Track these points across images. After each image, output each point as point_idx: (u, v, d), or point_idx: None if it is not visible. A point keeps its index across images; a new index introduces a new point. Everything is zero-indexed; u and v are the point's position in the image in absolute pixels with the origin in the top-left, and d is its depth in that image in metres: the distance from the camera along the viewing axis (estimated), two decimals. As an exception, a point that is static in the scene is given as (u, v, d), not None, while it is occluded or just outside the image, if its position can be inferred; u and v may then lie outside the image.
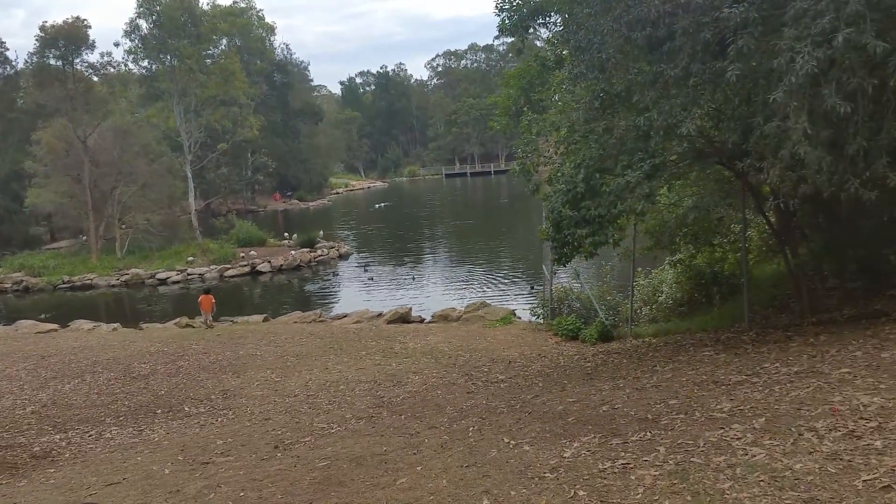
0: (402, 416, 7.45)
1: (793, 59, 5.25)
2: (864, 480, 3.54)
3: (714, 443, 4.49)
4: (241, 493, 5.27)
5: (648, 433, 5.02)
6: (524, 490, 4.31)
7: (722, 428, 4.76)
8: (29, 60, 32.87)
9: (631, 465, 4.39)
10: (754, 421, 4.76)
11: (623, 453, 4.67)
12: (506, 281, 24.80)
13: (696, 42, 6.36)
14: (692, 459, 4.28)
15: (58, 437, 7.89)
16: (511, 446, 5.41)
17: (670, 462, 4.32)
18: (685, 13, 6.41)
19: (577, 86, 9.34)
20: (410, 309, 17.73)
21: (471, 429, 6.26)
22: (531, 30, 11.10)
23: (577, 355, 10.77)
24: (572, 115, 9.79)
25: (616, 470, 4.37)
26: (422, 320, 17.32)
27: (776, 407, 5.00)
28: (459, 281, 25.24)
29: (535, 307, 16.95)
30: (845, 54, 5.16)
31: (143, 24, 32.50)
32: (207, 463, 6.38)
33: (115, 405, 9.37)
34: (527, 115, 10.90)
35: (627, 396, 6.47)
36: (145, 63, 35.62)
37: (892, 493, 3.38)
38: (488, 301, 18.77)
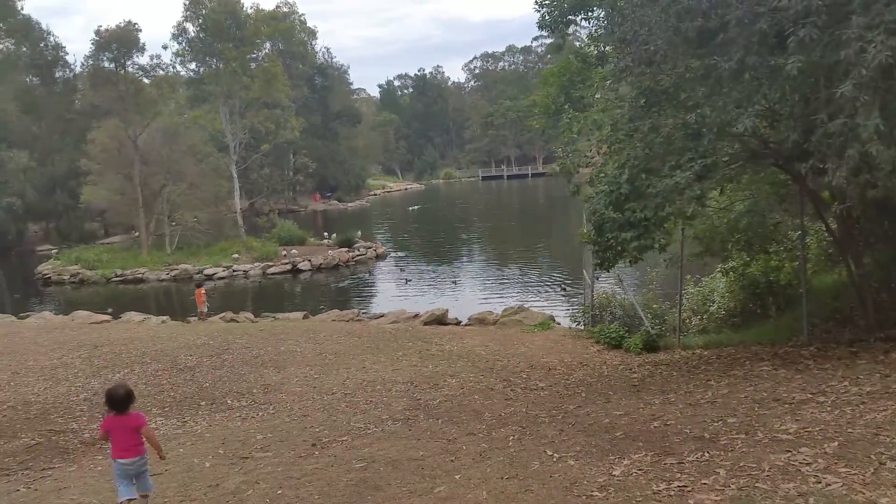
0: (440, 421, 7.36)
1: (863, 50, 4.93)
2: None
3: (780, 467, 4.20)
4: (279, 492, 5.25)
5: (706, 453, 4.73)
6: (572, 508, 4.11)
7: (788, 451, 4.46)
8: (85, 63, 34.21)
9: (688, 489, 4.12)
10: (825, 445, 4.44)
11: (679, 474, 4.40)
12: (543, 284, 24.52)
13: (751, 33, 6.07)
14: (757, 485, 3.99)
15: (106, 426, 8.08)
16: (554, 459, 5.24)
17: (732, 486, 4.03)
18: (739, 3, 6.14)
19: (622, 82, 9.09)
20: (447, 311, 17.62)
21: (510, 438, 6.12)
22: (572, 26, 10.83)
23: (622, 365, 10.50)
24: (615, 113, 9.54)
25: (672, 493, 4.11)
26: (458, 323, 17.19)
27: (849, 431, 4.66)
28: (496, 283, 25.07)
29: (575, 313, 16.66)
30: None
31: (189, 27, 33.39)
32: (247, 458, 6.41)
33: (162, 395, 9.54)
34: (568, 113, 10.67)
35: (680, 412, 6.21)
36: (192, 66, 36.56)
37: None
38: (526, 305, 18.55)
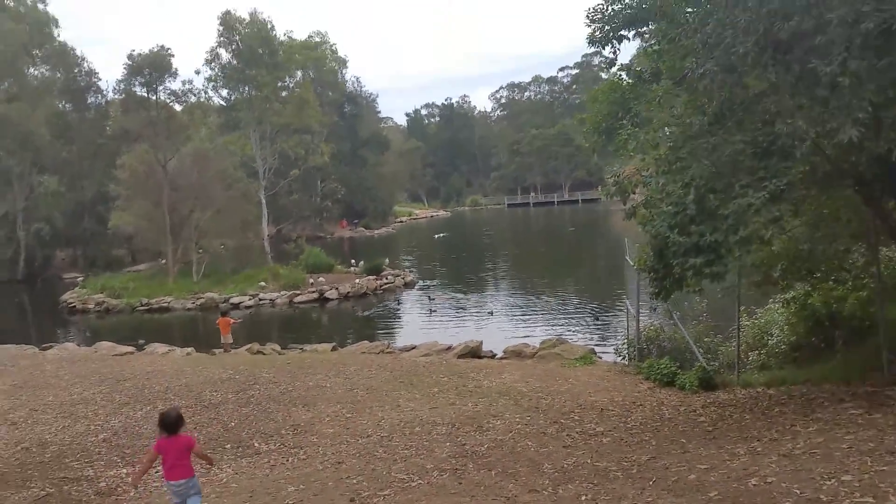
0: (493, 472, 6.54)
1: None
2: None
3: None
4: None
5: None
6: None
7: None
8: (117, 88, 34.54)
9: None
10: None
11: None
12: (576, 314, 23.60)
13: (853, 34, 5.34)
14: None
15: (125, 471, 7.37)
16: (643, 528, 4.42)
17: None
18: (840, 1, 5.42)
19: (682, 95, 8.37)
20: (481, 343, 16.82)
21: (583, 497, 5.29)
22: (624, 41, 10.14)
23: (682, 406, 9.57)
24: (675, 130, 8.81)
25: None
26: (493, 356, 16.38)
27: None
28: (527, 313, 24.22)
29: (617, 346, 15.72)
30: None
31: (222, 52, 33.62)
32: (278, 518, 5.67)
33: (184, 438, 8.85)
34: (626, 129, 9.92)
35: (777, 466, 5.33)
36: (224, 93, 36.81)
37: None
38: (561, 336, 17.68)
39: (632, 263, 14.04)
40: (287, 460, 7.65)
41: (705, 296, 13.29)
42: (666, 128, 8.89)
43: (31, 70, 48.83)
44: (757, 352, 12.93)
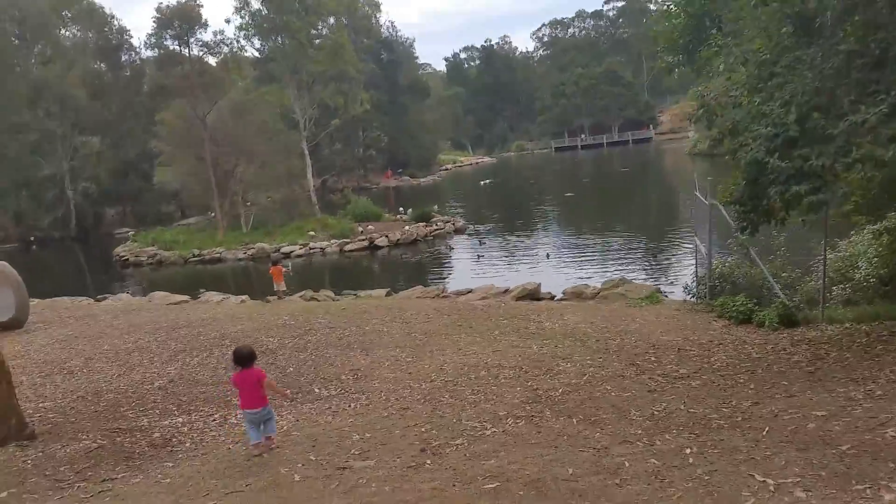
0: (574, 420, 5.92)
1: None
2: None
3: None
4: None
5: None
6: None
7: None
8: (147, 42, 34.15)
9: None
10: None
11: None
12: (632, 255, 22.63)
13: None
14: None
15: (181, 419, 7.07)
16: (772, 489, 3.69)
17: None
18: None
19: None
20: (539, 285, 16.13)
21: (686, 450, 4.61)
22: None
23: (768, 344, 8.74)
24: (768, 42, 7.70)
25: None
26: (552, 297, 15.71)
27: None
28: (582, 256, 23.36)
29: (688, 284, 14.81)
30: None
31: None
32: (344, 468, 5.20)
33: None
34: (717, 39, 8.77)
35: (917, 411, 4.54)
36: (256, 45, 36.01)
37: None
38: (621, 277, 16.85)
39: (703, 199, 13.02)
40: (349, 406, 7.21)
41: (785, 228, 12.25)
42: (757, 39, 7.79)
43: (63, 32, 49.00)
44: (841, 286, 11.92)
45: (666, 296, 14.79)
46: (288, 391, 6.45)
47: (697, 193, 13.95)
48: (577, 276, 19.85)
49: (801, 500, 3.49)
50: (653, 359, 8.58)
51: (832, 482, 3.68)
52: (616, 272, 20.13)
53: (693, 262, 15.75)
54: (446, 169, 79.09)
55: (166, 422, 6.84)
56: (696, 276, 14.17)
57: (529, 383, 7.59)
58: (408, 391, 7.59)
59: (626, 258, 22.35)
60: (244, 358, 5.71)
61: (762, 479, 3.85)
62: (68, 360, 10.03)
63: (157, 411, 7.27)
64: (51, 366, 9.69)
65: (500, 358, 9.12)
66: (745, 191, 7.81)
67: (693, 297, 13.66)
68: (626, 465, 4.50)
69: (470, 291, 16.50)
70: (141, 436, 6.35)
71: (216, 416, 7.10)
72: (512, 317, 12.53)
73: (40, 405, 7.67)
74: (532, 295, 15.47)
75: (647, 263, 21.24)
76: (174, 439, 6.37)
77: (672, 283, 18.10)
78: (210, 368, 9.28)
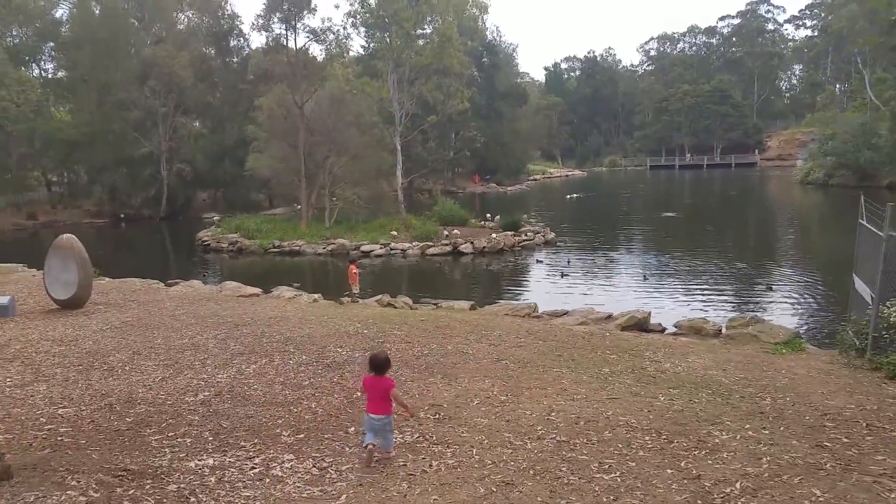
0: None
1: None
2: None
3: None
4: None
5: None
6: None
7: None
8: (255, 23, 34.10)
9: None
10: None
11: None
12: (745, 286, 19.88)
13: None
14: None
15: (211, 460, 5.46)
16: None
17: None
18: None
19: None
20: (649, 314, 13.88)
21: None
22: None
23: None
24: None
25: None
26: (663, 330, 13.43)
27: None
28: (685, 283, 20.77)
29: (838, 331, 12.18)
30: None
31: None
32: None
33: (299, 408, 6.94)
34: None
35: None
36: (363, 32, 35.32)
37: None
38: (753, 314, 14.34)
39: (873, 229, 10.49)
40: (430, 467, 5.42)
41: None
42: None
43: (179, 15, 50.60)
44: None
45: (803, 339, 12.29)
46: (412, 411, 6.20)
47: (864, 222, 11.36)
48: (681, 303, 17.58)
49: None
50: (834, 436, 6.37)
51: None
52: (729, 303, 17.80)
53: (834, 304, 13.10)
54: (534, 179, 76.96)
55: (192, 463, 5.27)
56: (852, 322, 11.56)
57: (682, 464, 5.56)
58: (509, 451, 5.74)
59: (740, 289, 19.72)
60: (380, 365, 5.73)
61: None
62: (114, 352, 8.87)
63: (188, 440, 5.75)
64: (93, 357, 8.54)
65: (623, 411, 7.11)
66: None
67: (850, 349, 11.09)
68: None
69: (566, 313, 14.44)
70: (151, 486, 4.74)
71: (257, 459, 5.48)
72: (622, 351, 10.46)
73: (58, 411, 6.38)
74: (640, 325, 13.27)
75: (766, 298, 18.50)
76: (192, 499, 4.74)
77: (804, 327, 15.48)
78: (266, 382, 7.80)
